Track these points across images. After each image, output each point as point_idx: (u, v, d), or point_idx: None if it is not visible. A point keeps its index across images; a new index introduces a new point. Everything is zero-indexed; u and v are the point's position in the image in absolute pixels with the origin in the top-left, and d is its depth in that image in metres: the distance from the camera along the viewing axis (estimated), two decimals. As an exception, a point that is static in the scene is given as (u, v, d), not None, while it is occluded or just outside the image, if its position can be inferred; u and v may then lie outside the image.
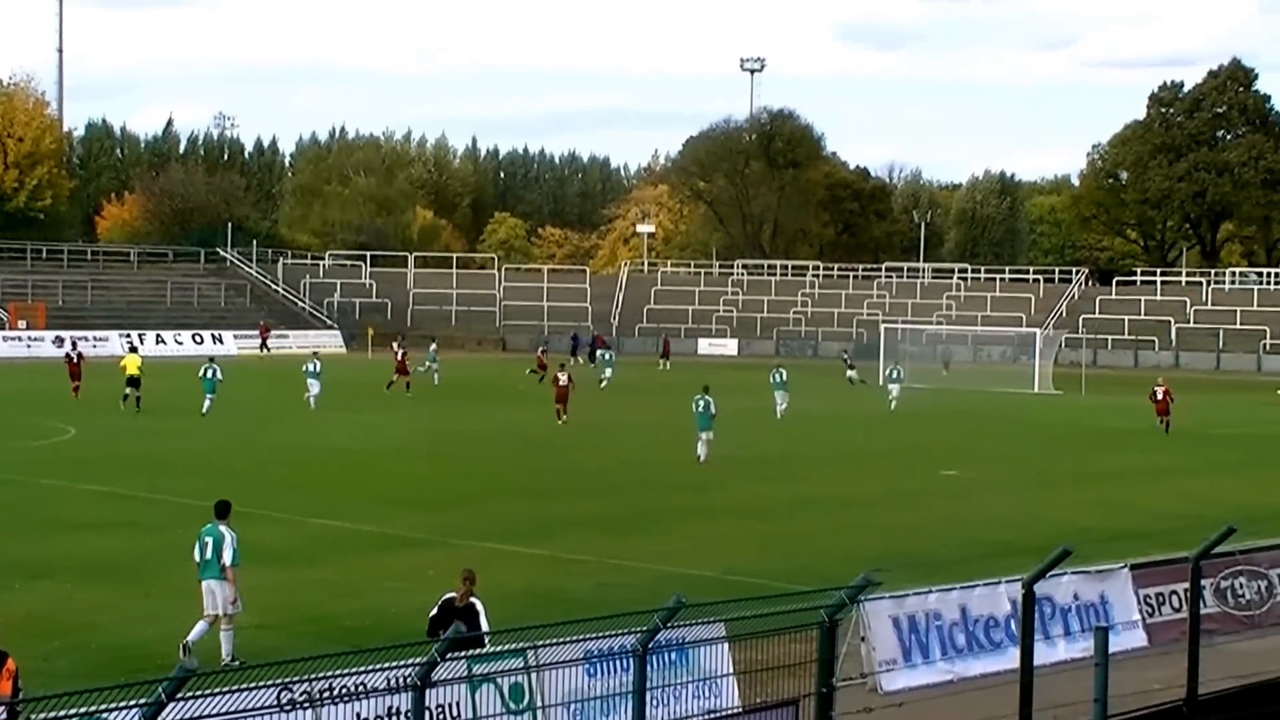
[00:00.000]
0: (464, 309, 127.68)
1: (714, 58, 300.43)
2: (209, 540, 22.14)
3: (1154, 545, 28.70)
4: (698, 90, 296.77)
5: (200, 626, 22.04)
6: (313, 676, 14.54)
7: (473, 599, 18.99)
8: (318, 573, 28.75)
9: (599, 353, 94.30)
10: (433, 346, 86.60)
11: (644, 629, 14.80)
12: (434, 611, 19.06)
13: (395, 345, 78.15)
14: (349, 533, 32.79)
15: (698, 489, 42.07)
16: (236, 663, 20.91)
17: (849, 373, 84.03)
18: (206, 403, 59.25)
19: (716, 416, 47.82)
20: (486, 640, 17.29)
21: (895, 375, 73.77)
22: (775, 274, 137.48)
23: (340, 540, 32.07)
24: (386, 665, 14.67)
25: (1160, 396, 61.80)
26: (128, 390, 61.03)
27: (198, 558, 22.28)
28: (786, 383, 65.55)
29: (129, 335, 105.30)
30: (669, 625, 14.87)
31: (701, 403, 47.87)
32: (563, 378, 61.18)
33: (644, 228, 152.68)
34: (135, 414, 59.34)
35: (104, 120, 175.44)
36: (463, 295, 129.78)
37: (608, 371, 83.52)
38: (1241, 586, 23.63)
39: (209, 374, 60.19)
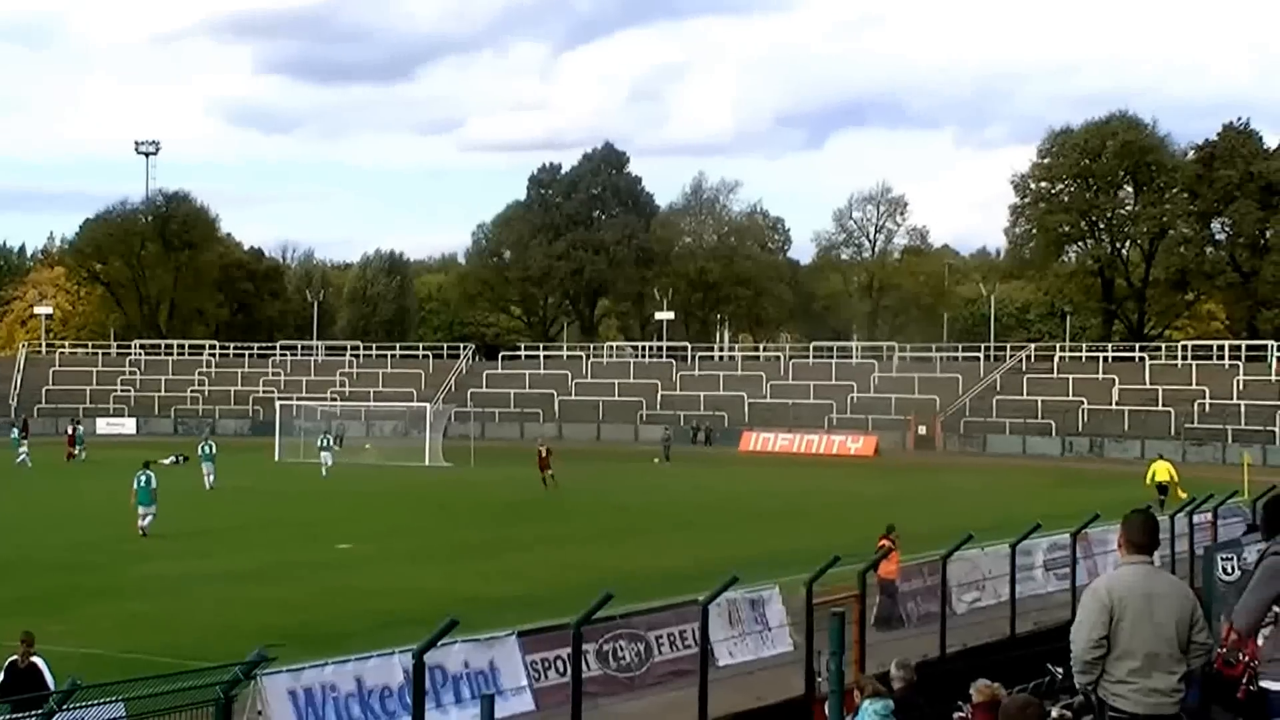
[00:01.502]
0: None
1: (109, 140, 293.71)
2: None
3: (540, 612, 29.77)
4: (94, 173, 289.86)
5: None
6: None
7: (34, 658, 19.93)
8: None
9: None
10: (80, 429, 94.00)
11: (40, 712, 14.75)
12: (2, 677, 19.82)
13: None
14: None
15: (97, 569, 41.29)
16: None
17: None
18: None
19: (157, 490, 49.55)
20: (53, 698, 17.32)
21: (326, 444, 79.77)
22: (172, 354, 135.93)
23: None
24: None
25: (544, 455, 70.79)
26: None
27: None
28: (214, 455, 68.77)
29: None
30: (66, 707, 14.85)
31: (143, 478, 49.54)
32: None
33: (42, 309, 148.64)
34: None
35: None
36: None
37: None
38: (622, 649, 24.74)
39: None
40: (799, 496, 69.42)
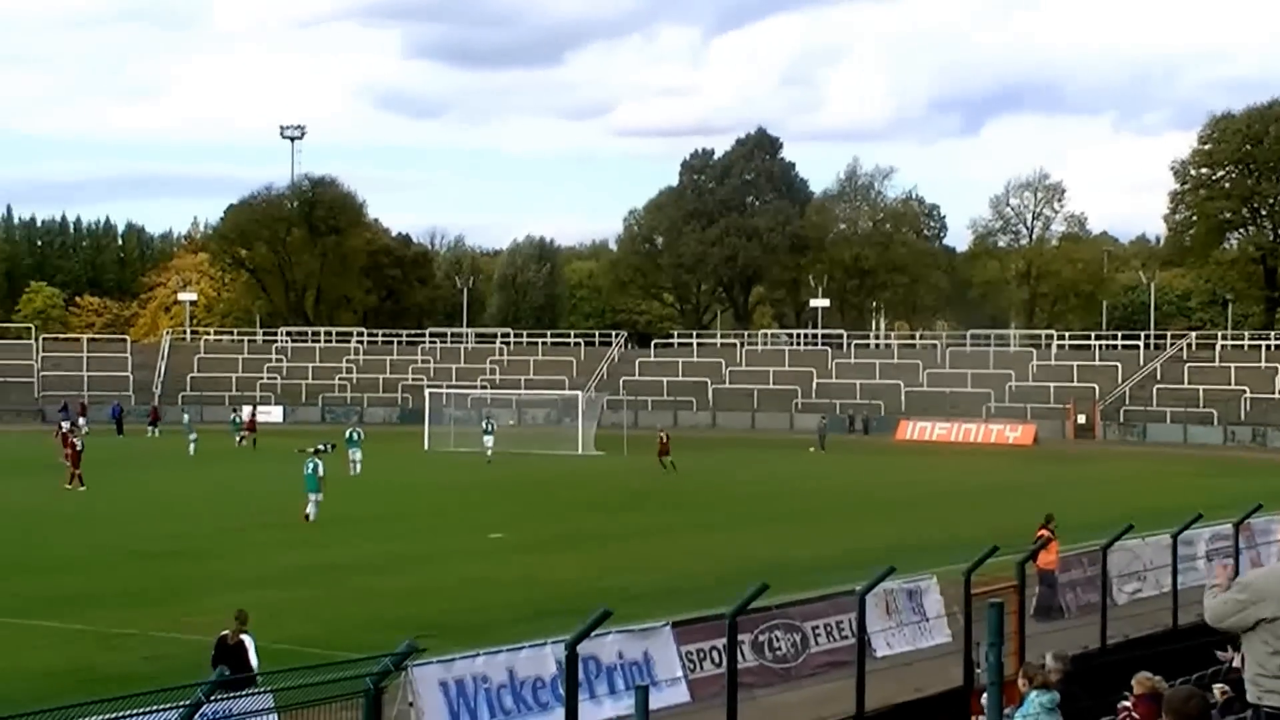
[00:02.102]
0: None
1: (254, 125, 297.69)
2: None
3: (692, 602, 29.49)
4: (238, 158, 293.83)
5: None
6: None
7: (243, 636, 21.42)
8: None
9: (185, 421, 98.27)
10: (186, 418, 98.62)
11: (187, 703, 14.65)
12: (213, 651, 21.27)
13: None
14: None
15: (242, 556, 41.59)
16: None
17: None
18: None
19: (324, 478, 50.82)
20: (258, 677, 19.09)
21: (490, 428, 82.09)
22: (319, 341, 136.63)
23: None
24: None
25: (664, 441, 75.17)
26: None
27: None
28: (361, 442, 70.75)
29: None
30: (213, 698, 14.74)
31: (310, 465, 50.88)
32: (78, 443, 62.27)
33: (185, 295, 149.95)
34: None
35: None
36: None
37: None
38: (778, 640, 24.43)
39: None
40: (955, 485, 68.74)
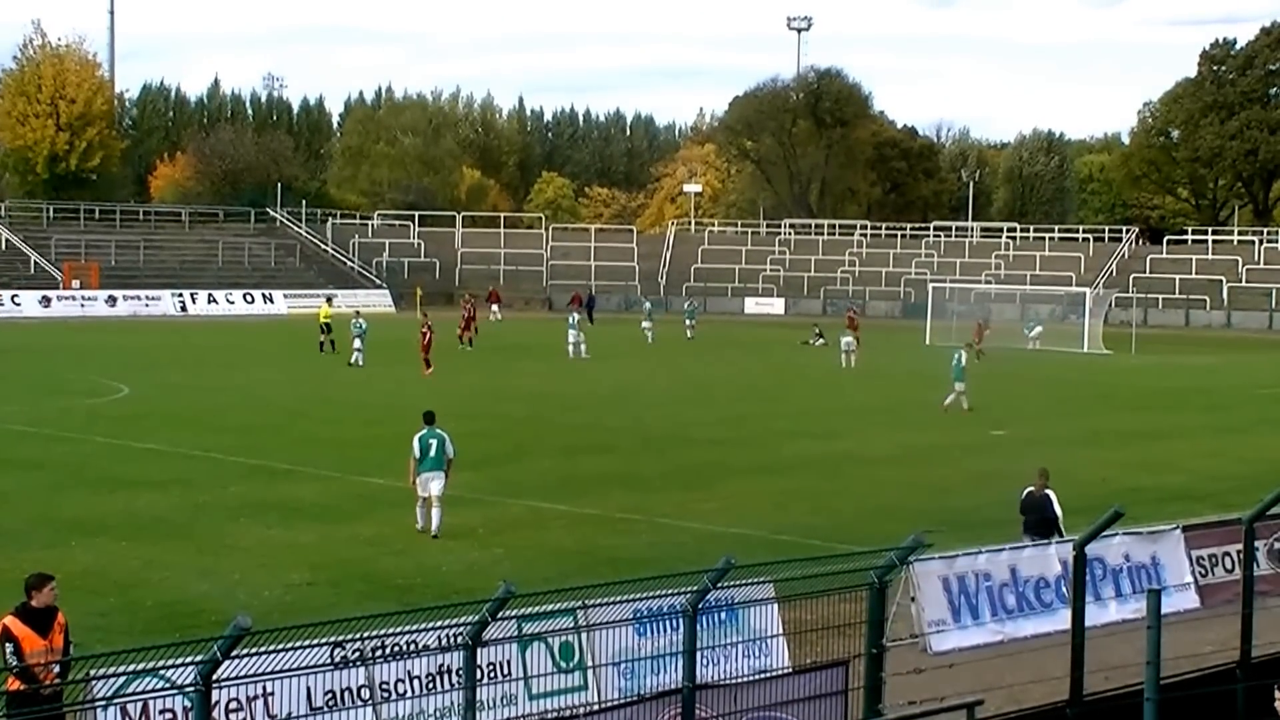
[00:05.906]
0: (511, 268, 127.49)
1: (760, 16, 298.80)
2: (433, 441, 28.03)
3: (1205, 506, 28.56)
4: (744, 49, 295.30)
5: (422, 511, 27.97)
6: (365, 634, 14.67)
7: (1047, 490, 23.93)
8: (364, 530, 28.80)
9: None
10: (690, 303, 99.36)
11: (694, 589, 14.82)
12: (1020, 504, 24.06)
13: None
14: (392, 490, 32.12)
15: (749, 445, 42.07)
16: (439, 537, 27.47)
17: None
18: (357, 355, 64.40)
19: (968, 369, 53.15)
20: (1060, 524, 23.27)
21: (1033, 322, 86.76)
22: (823, 233, 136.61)
23: (383, 497, 31.93)
24: (438, 624, 14.73)
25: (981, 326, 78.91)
26: (322, 337, 70.54)
27: (418, 454, 27.87)
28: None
29: (181, 294, 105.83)
30: (719, 585, 14.89)
31: (957, 355, 53.93)
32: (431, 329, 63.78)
33: (691, 187, 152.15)
34: (326, 354, 68.96)
35: (161, 82, 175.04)
36: (510, 255, 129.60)
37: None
38: (1296, 548, 23.47)
39: (356, 326, 65.41)
40: None
